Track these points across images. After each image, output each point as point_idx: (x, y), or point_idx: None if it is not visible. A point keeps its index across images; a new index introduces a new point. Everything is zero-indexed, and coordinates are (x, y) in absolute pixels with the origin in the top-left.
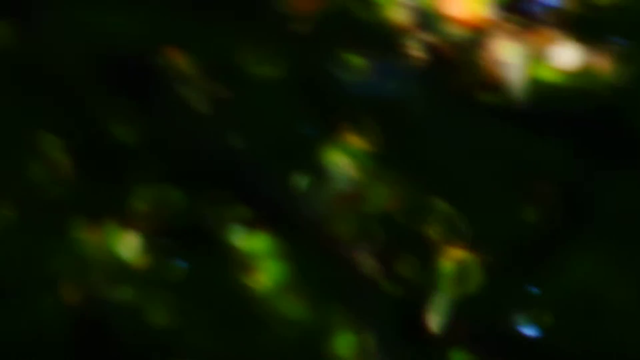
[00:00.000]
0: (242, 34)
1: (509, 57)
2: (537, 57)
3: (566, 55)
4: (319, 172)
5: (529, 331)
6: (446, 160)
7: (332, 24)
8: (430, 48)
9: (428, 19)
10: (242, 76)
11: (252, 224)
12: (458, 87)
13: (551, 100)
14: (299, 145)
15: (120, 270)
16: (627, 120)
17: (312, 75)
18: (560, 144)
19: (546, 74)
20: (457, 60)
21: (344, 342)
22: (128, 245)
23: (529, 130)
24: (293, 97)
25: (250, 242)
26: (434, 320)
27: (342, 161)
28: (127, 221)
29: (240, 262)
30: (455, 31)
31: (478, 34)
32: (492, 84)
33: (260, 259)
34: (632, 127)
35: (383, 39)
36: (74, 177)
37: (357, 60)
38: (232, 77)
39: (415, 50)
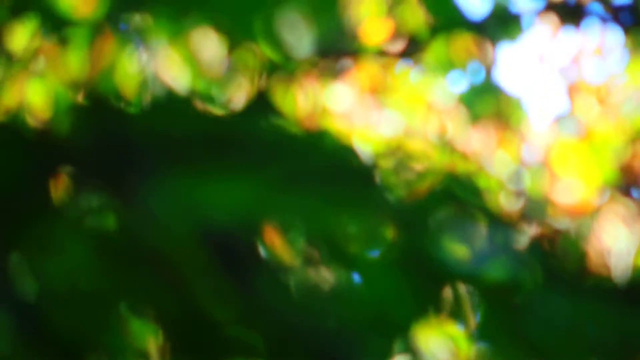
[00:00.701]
0: (343, 210)
1: (616, 243)
2: None
3: None
4: (415, 355)
5: None
6: (549, 338)
7: (438, 207)
8: (538, 234)
9: (537, 207)
10: (343, 254)
11: None
12: (564, 270)
13: None
14: (398, 327)
15: None
16: None
17: (416, 255)
18: None
19: None
20: (563, 247)
21: None
22: None
23: (632, 305)
24: (395, 276)
25: None
26: None
27: (441, 344)
28: None
29: None
30: (563, 219)
31: (586, 221)
32: (598, 270)
33: None
34: None
35: (490, 224)
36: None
37: (459, 247)
38: (333, 255)
39: (522, 232)
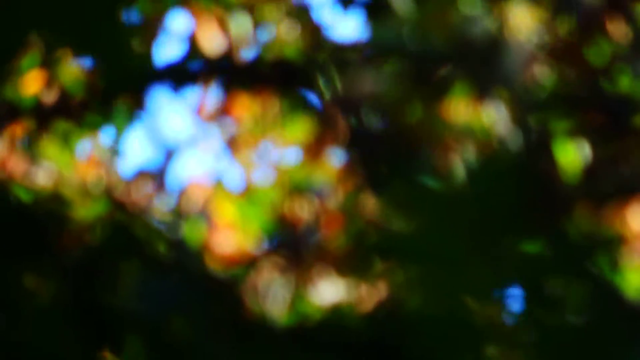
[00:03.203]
0: (18, 266)
1: (272, 289)
2: (300, 291)
3: (327, 290)
4: None
5: None
6: None
7: (104, 256)
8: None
9: (195, 256)
10: (14, 305)
11: None
12: (224, 316)
13: (310, 331)
14: None
15: None
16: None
17: (83, 299)
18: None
19: (306, 308)
20: (225, 291)
21: None
22: None
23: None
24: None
25: None
26: None
27: None
28: None
29: None
30: (221, 267)
31: (245, 268)
32: (255, 316)
33: None
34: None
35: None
36: None
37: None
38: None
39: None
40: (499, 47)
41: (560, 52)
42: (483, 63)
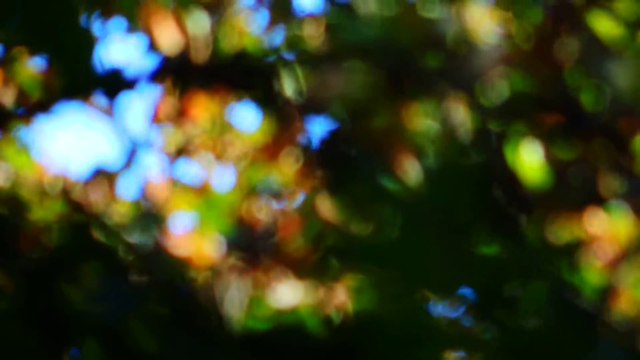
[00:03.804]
0: None
1: (230, 292)
2: (258, 293)
3: (285, 293)
4: None
5: None
6: None
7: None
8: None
9: (154, 258)
10: None
11: None
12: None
13: (267, 334)
14: None
15: None
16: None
17: (41, 302)
18: None
19: (263, 311)
20: (183, 294)
21: None
22: None
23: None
24: (19, 323)
25: None
26: None
27: None
28: None
29: None
30: (179, 270)
31: (203, 271)
32: (214, 318)
33: None
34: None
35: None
36: None
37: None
38: None
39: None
40: (462, 49)
41: (523, 53)
42: (447, 65)
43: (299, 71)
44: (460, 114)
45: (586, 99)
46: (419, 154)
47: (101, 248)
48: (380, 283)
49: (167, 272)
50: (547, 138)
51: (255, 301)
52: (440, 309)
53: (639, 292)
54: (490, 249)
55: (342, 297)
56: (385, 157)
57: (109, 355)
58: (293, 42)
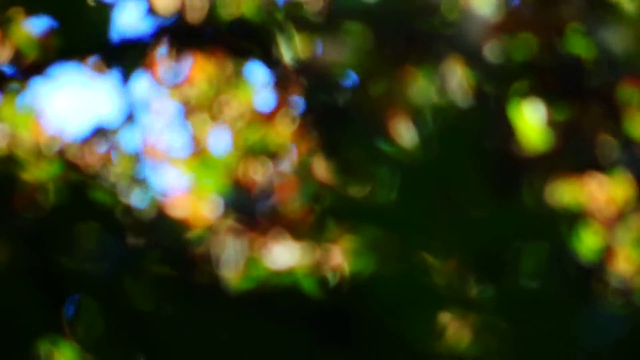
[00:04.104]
0: None
1: (227, 253)
2: (254, 254)
3: (282, 254)
4: None
5: None
6: (172, 338)
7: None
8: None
9: (159, 223)
10: None
11: None
12: (179, 275)
13: (264, 295)
14: (22, 340)
15: None
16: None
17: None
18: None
19: (260, 272)
20: (180, 254)
21: None
22: None
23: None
24: (18, 288)
25: None
26: None
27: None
28: None
29: None
30: (176, 230)
31: (200, 232)
32: (210, 278)
33: None
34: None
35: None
36: None
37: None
38: None
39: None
40: (459, 13)
41: (521, 17)
42: (445, 29)
43: (297, 36)
44: (459, 78)
45: (584, 63)
46: (417, 118)
47: (97, 208)
48: (376, 244)
49: (163, 232)
50: (546, 101)
51: (251, 262)
52: (437, 270)
53: (636, 252)
54: (488, 211)
55: (338, 258)
56: (383, 120)
57: (106, 314)
58: (291, 7)
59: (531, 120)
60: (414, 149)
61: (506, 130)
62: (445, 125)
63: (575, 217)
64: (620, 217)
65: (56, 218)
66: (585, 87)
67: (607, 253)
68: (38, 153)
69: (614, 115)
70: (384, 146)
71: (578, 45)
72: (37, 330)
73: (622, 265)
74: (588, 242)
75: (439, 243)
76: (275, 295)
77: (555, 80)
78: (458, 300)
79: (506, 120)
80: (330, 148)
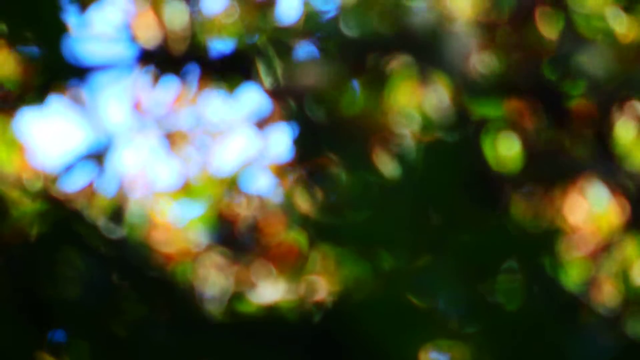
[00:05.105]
0: None
1: (211, 286)
2: (239, 290)
3: (267, 289)
4: None
5: None
6: None
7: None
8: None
9: (130, 248)
10: None
11: None
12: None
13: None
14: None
15: None
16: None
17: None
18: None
19: (245, 306)
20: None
21: None
22: None
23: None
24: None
25: None
26: None
27: None
28: None
29: None
30: (161, 264)
31: (185, 265)
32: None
33: None
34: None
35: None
36: None
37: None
38: None
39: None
40: (439, 34)
41: (500, 37)
42: (424, 50)
43: (276, 60)
44: (438, 98)
45: (563, 84)
46: (397, 140)
47: (81, 240)
48: (364, 271)
49: (147, 265)
50: (526, 122)
51: (237, 296)
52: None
53: (621, 282)
54: (471, 231)
55: (324, 291)
56: (363, 144)
57: (91, 343)
58: (272, 32)
59: (507, 145)
60: (394, 171)
61: (483, 153)
62: (428, 147)
63: (556, 243)
64: (604, 245)
65: (40, 250)
66: (564, 107)
67: (591, 282)
68: (22, 188)
69: (593, 135)
70: (368, 173)
71: (557, 67)
72: (22, 358)
73: (607, 294)
74: (571, 270)
75: (426, 268)
76: (262, 324)
77: (533, 100)
78: (445, 325)
79: (485, 139)
80: (313, 178)
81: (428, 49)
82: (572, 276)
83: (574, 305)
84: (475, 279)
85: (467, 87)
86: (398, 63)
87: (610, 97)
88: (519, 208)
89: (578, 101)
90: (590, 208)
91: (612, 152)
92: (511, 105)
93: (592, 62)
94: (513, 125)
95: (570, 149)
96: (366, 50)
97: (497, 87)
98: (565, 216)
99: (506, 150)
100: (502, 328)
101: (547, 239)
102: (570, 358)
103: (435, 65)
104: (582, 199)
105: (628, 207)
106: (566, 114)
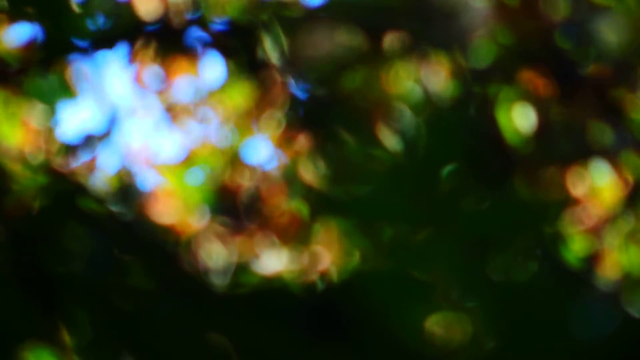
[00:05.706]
0: None
1: (215, 261)
2: (242, 261)
3: (270, 260)
4: None
5: None
6: (160, 339)
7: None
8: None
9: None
10: None
11: None
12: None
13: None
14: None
15: None
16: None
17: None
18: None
19: (249, 278)
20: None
21: None
22: None
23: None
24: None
25: None
26: None
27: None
28: None
29: None
30: (163, 237)
31: (187, 238)
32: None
33: None
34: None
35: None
36: None
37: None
38: None
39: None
40: (446, 8)
41: (509, 10)
42: (430, 25)
43: (281, 34)
44: (443, 76)
45: (574, 55)
46: (401, 116)
47: (84, 214)
48: (367, 242)
49: (150, 239)
50: (534, 95)
51: (239, 268)
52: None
53: (624, 255)
54: (477, 204)
55: (326, 262)
56: (366, 119)
57: (94, 316)
58: (276, 6)
59: (517, 118)
60: (397, 146)
61: (491, 128)
62: (433, 121)
63: (561, 216)
64: (607, 218)
65: (43, 224)
66: (575, 79)
67: (594, 256)
68: (25, 161)
69: (606, 104)
70: (368, 145)
71: (568, 37)
72: (25, 333)
73: (610, 268)
74: (575, 244)
75: (431, 239)
76: (266, 296)
77: (544, 73)
78: (449, 295)
79: (493, 113)
80: (317, 149)
81: (440, 19)
82: (574, 250)
83: (576, 279)
84: (478, 252)
85: (475, 61)
86: (405, 36)
87: (624, 65)
88: (525, 181)
89: (591, 70)
90: (593, 181)
91: (625, 122)
92: (524, 75)
93: (606, 30)
94: (526, 95)
95: (583, 121)
96: (372, 25)
97: (510, 57)
98: (568, 189)
99: (519, 121)
100: (504, 301)
101: (550, 212)
102: (572, 331)
103: (440, 41)
104: (585, 171)
105: (631, 181)
106: (579, 83)
